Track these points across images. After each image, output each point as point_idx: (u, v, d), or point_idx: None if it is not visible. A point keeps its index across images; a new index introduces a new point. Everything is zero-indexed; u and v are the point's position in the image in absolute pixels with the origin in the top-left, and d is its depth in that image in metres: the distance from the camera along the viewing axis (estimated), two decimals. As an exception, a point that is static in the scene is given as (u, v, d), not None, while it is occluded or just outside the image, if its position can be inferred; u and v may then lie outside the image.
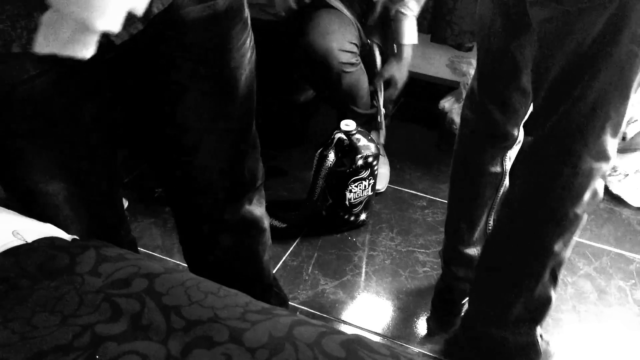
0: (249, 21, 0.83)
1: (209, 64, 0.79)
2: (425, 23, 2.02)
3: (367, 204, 1.69)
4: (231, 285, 0.63)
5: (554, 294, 1.12)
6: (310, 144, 1.82)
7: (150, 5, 0.68)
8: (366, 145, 1.59)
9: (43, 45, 0.54)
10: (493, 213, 1.32)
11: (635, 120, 1.86)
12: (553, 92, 0.94)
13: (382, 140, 1.89)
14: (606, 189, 1.84)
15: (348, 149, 1.58)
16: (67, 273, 0.60)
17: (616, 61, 0.86)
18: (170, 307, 0.56)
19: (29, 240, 0.65)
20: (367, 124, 1.81)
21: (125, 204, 1.75)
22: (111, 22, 0.53)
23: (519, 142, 1.18)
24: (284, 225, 1.67)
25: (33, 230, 0.68)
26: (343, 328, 1.39)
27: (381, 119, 1.83)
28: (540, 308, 1.14)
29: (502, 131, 1.18)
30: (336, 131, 1.60)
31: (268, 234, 1.07)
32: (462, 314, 1.29)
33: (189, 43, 0.76)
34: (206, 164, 0.88)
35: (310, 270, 1.57)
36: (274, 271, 1.55)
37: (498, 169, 1.23)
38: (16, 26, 0.59)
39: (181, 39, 0.75)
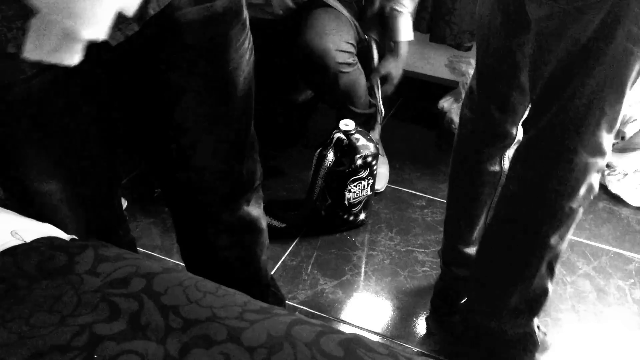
0: (248, 22, 0.83)
1: (207, 66, 0.79)
2: (424, 23, 2.02)
3: (366, 204, 1.69)
4: (228, 285, 0.63)
5: (550, 286, 1.14)
6: (310, 143, 1.82)
7: (146, 6, 0.68)
8: (365, 145, 1.59)
9: (31, 51, 0.54)
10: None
11: (634, 120, 1.86)
12: (549, 89, 0.95)
13: (376, 135, 1.89)
14: (605, 188, 1.84)
15: (347, 149, 1.58)
16: (65, 273, 0.60)
17: (611, 59, 0.87)
18: (168, 307, 0.56)
19: (28, 240, 0.65)
20: (366, 124, 1.81)
21: (125, 203, 1.75)
22: (97, 30, 0.53)
23: (518, 141, 1.19)
24: (283, 225, 1.67)
25: (32, 230, 0.68)
26: (342, 328, 1.39)
27: (380, 115, 1.83)
28: (537, 300, 1.16)
29: (501, 130, 1.18)
30: (335, 131, 1.60)
31: (266, 234, 1.07)
32: (460, 307, 1.30)
33: (186, 44, 0.75)
34: (204, 165, 0.88)
35: (309, 270, 1.57)
36: (273, 271, 1.56)
37: (497, 168, 1.23)
38: (12, 27, 0.59)
39: (178, 40, 0.75)
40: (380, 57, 1.83)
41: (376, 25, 1.79)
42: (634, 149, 1.87)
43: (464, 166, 1.28)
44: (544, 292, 1.14)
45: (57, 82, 0.70)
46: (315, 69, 1.62)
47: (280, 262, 1.59)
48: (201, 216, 0.95)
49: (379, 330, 1.42)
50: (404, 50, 1.79)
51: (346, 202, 1.64)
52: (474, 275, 1.24)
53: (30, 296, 0.57)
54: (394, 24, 1.75)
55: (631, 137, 1.87)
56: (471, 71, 1.94)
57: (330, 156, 1.58)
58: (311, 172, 1.64)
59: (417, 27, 2.05)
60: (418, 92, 2.28)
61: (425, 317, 1.45)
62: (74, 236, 0.72)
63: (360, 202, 1.67)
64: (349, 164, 1.58)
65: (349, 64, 1.63)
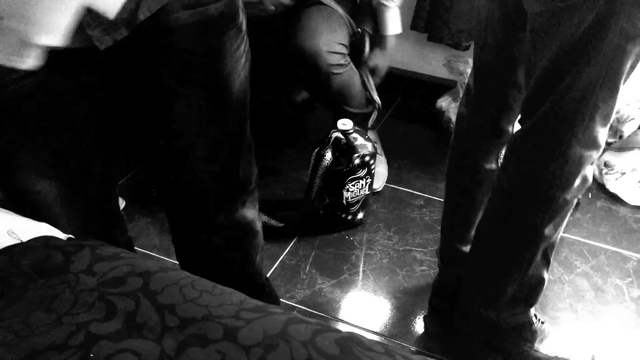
0: (244, 26, 0.83)
1: (201, 70, 0.78)
2: (422, 22, 2.03)
3: (364, 203, 1.69)
4: (223, 285, 0.63)
5: (546, 275, 1.16)
6: (307, 143, 1.82)
7: (136, 11, 0.67)
8: (363, 144, 1.59)
9: None
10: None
11: (632, 119, 1.86)
12: (543, 83, 0.96)
13: (370, 122, 1.90)
14: (603, 187, 1.85)
15: (345, 148, 1.58)
16: (61, 272, 0.60)
17: (604, 55, 0.88)
18: (165, 306, 0.56)
19: (24, 240, 0.65)
20: (364, 123, 1.81)
21: (123, 203, 1.75)
22: (53, 37, 0.53)
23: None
24: (282, 225, 1.68)
25: (28, 229, 0.68)
26: (340, 327, 1.39)
27: (376, 104, 1.84)
28: (534, 289, 1.17)
29: (497, 128, 1.19)
30: (333, 130, 1.60)
31: (260, 236, 1.07)
32: (458, 299, 1.31)
33: (180, 48, 0.75)
34: (199, 168, 0.88)
35: (307, 269, 1.57)
36: (271, 270, 1.56)
37: (493, 166, 1.24)
38: None
39: (171, 44, 0.74)
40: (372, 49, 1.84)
41: (370, 18, 1.79)
42: (631, 148, 1.87)
43: (460, 164, 1.28)
44: (540, 281, 1.16)
45: (49, 82, 0.70)
46: (308, 71, 1.62)
47: (278, 262, 1.59)
48: (196, 218, 0.95)
49: (377, 330, 1.42)
50: (391, 43, 1.80)
51: (344, 202, 1.64)
52: (470, 267, 1.25)
53: (26, 295, 0.57)
54: (382, 18, 1.77)
55: (629, 136, 1.88)
56: (469, 70, 1.94)
57: (328, 155, 1.59)
58: (309, 172, 1.64)
59: (415, 26, 2.05)
60: (416, 91, 2.28)
61: (423, 316, 1.45)
62: (70, 235, 0.72)
63: (358, 202, 1.67)
64: (347, 164, 1.58)
65: (341, 65, 1.63)
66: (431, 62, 2.23)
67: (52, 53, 0.66)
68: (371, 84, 1.80)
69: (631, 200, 1.79)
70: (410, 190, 1.86)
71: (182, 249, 1.04)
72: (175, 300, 0.57)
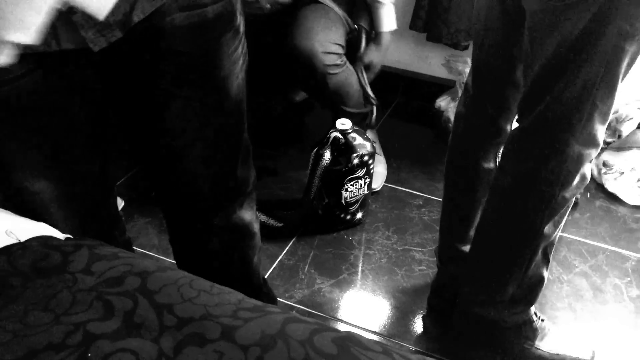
0: (242, 28, 0.82)
1: (197, 72, 0.78)
2: (421, 22, 2.03)
3: (363, 203, 1.69)
4: None
5: (546, 273, 1.16)
6: (306, 143, 1.82)
7: (130, 13, 0.67)
8: (362, 144, 1.59)
9: None
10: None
11: (630, 119, 1.87)
12: (541, 81, 0.97)
13: (371, 120, 1.91)
14: (602, 187, 1.85)
15: (344, 148, 1.58)
16: (60, 272, 0.60)
17: (602, 54, 0.88)
18: (162, 305, 0.56)
19: (22, 240, 0.65)
20: (363, 123, 1.81)
21: (122, 203, 1.75)
22: (24, 35, 0.53)
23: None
24: (280, 225, 1.68)
25: (26, 229, 0.68)
26: (339, 326, 1.39)
27: (373, 100, 1.84)
28: (534, 287, 1.18)
29: (495, 127, 1.19)
30: (332, 130, 1.60)
31: (258, 238, 1.07)
32: (458, 299, 1.31)
33: (175, 50, 0.74)
34: (195, 170, 0.87)
35: (306, 269, 1.57)
36: (270, 270, 1.56)
37: (491, 165, 1.24)
38: None
39: (167, 46, 0.74)
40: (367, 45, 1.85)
41: (366, 14, 1.80)
42: (630, 148, 1.87)
43: (458, 163, 1.28)
44: (540, 280, 1.16)
45: (45, 82, 0.70)
46: (304, 71, 1.62)
47: (277, 262, 1.59)
48: (193, 219, 0.95)
49: (375, 329, 1.42)
50: (385, 40, 1.80)
51: (343, 201, 1.64)
52: (470, 266, 1.25)
53: (24, 295, 0.57)
54: (376, 14, 1.77)
55: (627, 135, 1.88)
56: (468, 70, 1.94)
57: (327, 155, 1.59)
58: (308, 172, 1.64)
59: (414, 26, 2.06)
60: (415, 91, 2.28)
61: (422, 315, 1.45)
62: (69, 235, 0.72)
63: (357, 201, 1.67)
64: (345, 163, 1.58)
65: (337, 65, 1.63)
66: (430, 61, 2.23)
67: (50, 54, 0.66)
68: (365, 80, 1.81)
69: (630, 200, 1.79)
70: (409, 190, 1.86)
71: (180, 250, 1.04)
72: (173, 299, 0.57)
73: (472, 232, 1.33)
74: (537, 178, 1.03)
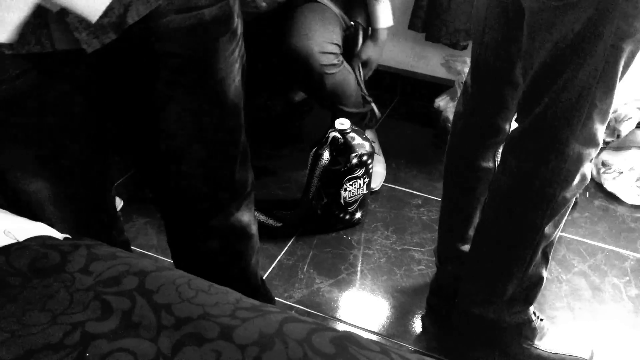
0: (239, 31, 0.82)
1: (193, 75, 0.77)
2: (419, 22, 2.03)
3: (362, 203, 1.69)
4: None
5: (545, 274, 1.17)
6: (305, 143, 1.82)
7: (125, 15, 0.67)
8: (361, 144, 1.59)
9: None
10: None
11: (629, 118, 1.87)
12: (539, 80, 0.97)
13: (373, 134, 1.90)
14: (601, 186, 1.85)
15: (343, 148, 1.58)
16: (58, 271, 0.60)
17: (600, 54, 0.89)
18: (160, 305, 0.56)
19: (20, 239, 0.65)
20: (362, 122, 1.81)
21: (120, 204, 1.75)
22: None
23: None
24: (279, 224, 1.68)
25: (25, 229, 0.67)
26: (339, 326, 1.39)
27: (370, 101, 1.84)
28: (533, 288, 1.18)
29: (494, 126, 1.19)
30: (331, 130, 1.60)
31: (256, 239, 1.06)
32: (457, 297, 1.31)
33: (171, 53, 0.74)
34: (193, 172, 0.87)
35: (305, 269, 1.57)
36: (269, 270, 1.56)
37: (490, 164, 1.24)
38: None
39: (162, 48, 0.73)
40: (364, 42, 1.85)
41: (362, 10, 1.80)
42: (629, 147, 1.87)
43: (458, 162, 1.28)
44: (540, 280, 1.17)
45: (41, 83, 0.70)
46: (301, 72, 1.62)
47: (276, 262, 1.59)
48: (191, 221, 0.95)
49: (375, 329, 1.42)
50: (382, 36, 1.81)
51: (342, 201, 1.64)
52: (469, 266, 1.25)
53: (22, 295, 0.57)
54: (373, 11, 1.77)
55: (626, 135, 1.88)
56: (467, 70, 1.94)
57: (326, 155, 1.59)
58: (307, 171, 1.64)
59: (412, 26, 2.06)
60: (414, 91, 2.28)
61: (421, 315, 1.45)
62: (67, 235, 0.71)
63: (356, 201, 1.67)
64: (344, 163, 1.58)
65: (334, 65, 1.63)
66: (429, 61, 2.23)
67: (45, 54, 0.66)
68: (362, 79, 1.80)
69: (628, 199, 1.80)
70: (408, 190, 1.86)
71: (178, 251, 1.04)
72: (171, 299, 0.57)
73: (471, 232, 1.33)
74: (537, 178, 1.03)
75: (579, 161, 1.00)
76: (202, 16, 0.73)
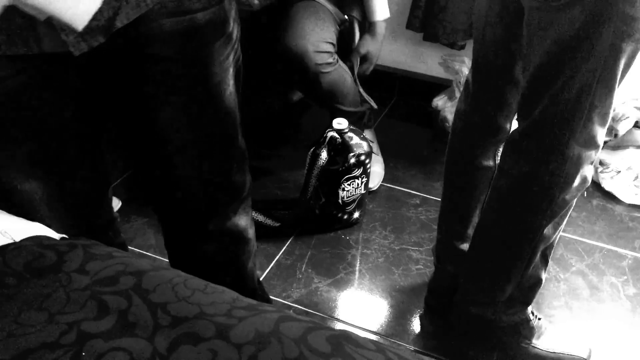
0: (235, 35, 0.81)
1: (186, 79, 0.77)
2: (417, 21, 2.03)
3: (360, 202, 1.69)
4: None
5: (544, 275, 1.17)
6: (303, 142, 1.82)
7: (114, 18, 0.66)
8: (359, 144, 1.59)
9: None
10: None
11: (626, 118, 1.87)
12: (538, 80, 0.96)
13: (371, 134, 1.90)
14: (598, 185, 1.85)
15: (340, 148, 1.58)
16: (54, 271, 0.60)
17: (599, 54, 0.88)
18: (157, 304, 0.56)
19: (17, 240, 0.65)
20: (359, 122, 1.81)
21: (119, 204, 1.75)
22: None
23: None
24: (278, 224, 1.68)
25: (21, 229, 0.67)
26: (337, 326, 1.40)
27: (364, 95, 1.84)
28: (531, 289, 1.18)
29: (494, 125, 1.19)
30: (328, 130, 1.60)
31: (253, 243, 1.06)
32: (455, 297, 1.31)
33: (163, 57, 0.73)
34: (188, 176, 0.86)
35: (303, 269, 1.57)
36: (267, 270, 1.56)
37: (490, 163, 1.24)
38: None
39: (153, 52, 0.72)
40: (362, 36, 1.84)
41: (357, 3, 1.79)
42: (626, 146, 1.88)
43: (458, 160, 1.28)
44: (538, 281, 1.17)
45: (32, 84, 0.69)
46: (296, 71, 1.62)
47: (274, 261, 1.59)
48: (187, 224, 0.95)
49: (373, 328, 1.42)
50: (380, 29, 1.80)
51: (340, 201, 1.64)
52: (469, 266, 1.25)
53: (19, 294, 0.57)
54: (368, 3, 1.76)
55: (624, 134, 1.88)
56: (465, 70, 1.95)
57: (324, 155, 1.59)
58: (305, 171, 1.64)
59: (410, 25, 2.06)
60: (412, 90, 2.29)
61: (419, 314, 1.46)
62: (64, 235, 0.71)
63: (354, 201, 1.67)
64: (342, 163, 1.58)
65: (329, 64, 1.63)
66: (427, 61, 2.24)
67: (34, 56, 0.65)
68: (356, 70, 1.79)
69: (626, 199, 1.80)
70: (406, 190, 1.86)
71: (174, 254, 1.04)
72: (167, 298, 0.57)
73: (470, 231, 1.34)
74: (537, 180, 1.03)
75: (579, 163, 1.00)
76: (195, 20, 0.72)
